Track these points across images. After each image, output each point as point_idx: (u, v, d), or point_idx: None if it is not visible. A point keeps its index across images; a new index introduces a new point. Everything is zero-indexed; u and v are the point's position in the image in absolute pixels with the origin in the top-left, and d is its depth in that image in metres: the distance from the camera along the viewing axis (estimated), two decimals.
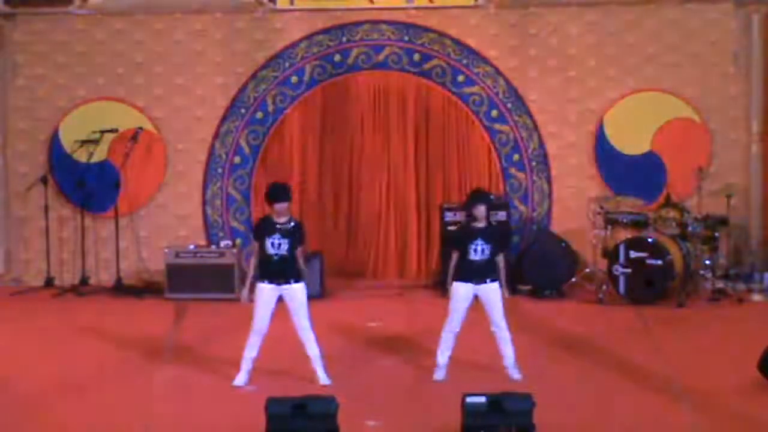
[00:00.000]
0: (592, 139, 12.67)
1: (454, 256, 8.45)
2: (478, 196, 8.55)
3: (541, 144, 12.73)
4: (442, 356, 8.40)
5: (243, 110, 12.81)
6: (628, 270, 11.21)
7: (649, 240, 11.25)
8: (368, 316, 10.79)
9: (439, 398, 7.62)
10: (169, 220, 12.85)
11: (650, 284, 11.18)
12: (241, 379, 8.30)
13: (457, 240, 8.57)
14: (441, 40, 12.71)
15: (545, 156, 12.73)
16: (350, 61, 12.80)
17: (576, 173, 12.70)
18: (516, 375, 8.30)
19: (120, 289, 12.31)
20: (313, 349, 8.40)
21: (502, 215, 11.91)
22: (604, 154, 12.63)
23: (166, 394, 8.03)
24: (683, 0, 12.55)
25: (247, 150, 12.85)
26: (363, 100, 12.86)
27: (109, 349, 9.53)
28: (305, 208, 12.90)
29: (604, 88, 12.62)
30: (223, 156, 12.86)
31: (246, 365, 8.31)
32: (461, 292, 8.34)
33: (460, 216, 11.88)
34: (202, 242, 12.58)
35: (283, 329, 9.92)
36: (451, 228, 11.75)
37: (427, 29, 12.72)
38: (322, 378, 8.33)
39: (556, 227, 12.61)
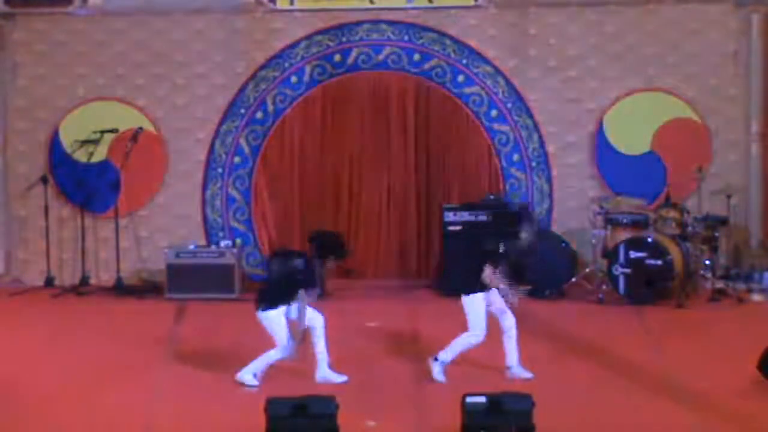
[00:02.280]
0: (592, 139, 12.68)
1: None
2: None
3: (541, 144, 12.73)
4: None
5: (243, 110, 12.81)
6: (628, 270, 11.21)
7: (649, 240, 11.25)
8: (368, 316, 10.79)
9: (439, 398, 7.62)
10: (169, 220, 12.85)
11: (650, 284, 11.18)
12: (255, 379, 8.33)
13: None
14: (441, 40, 12.72)
15: (545, 156, 12.73)
16: (350, 61, 12.80)
17: (576, 173, 12.71)
18: (527, 374, 8.29)
19: (120, 289, 12.31)
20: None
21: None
22: (604, 154, 12.63)
23: (166, 394, 8.03)
24: (683, 0, 12.55)
25: (247, 150, 12.85)
26: (363, 100, 12.86)
27: (109, 349, 9.53)
28: (305, 208, 12.91)
29: (604, 88, 12.62)
30: (223, 156, 12.86)
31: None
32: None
33: (459, 216, 11.91)
34: (202, 242, 12.59)
35: None
36: (452, 228, 11.81)
37: (427, 29, 12.73)
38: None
39: (556, 227, 12.62)
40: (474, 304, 8.27)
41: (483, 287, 8.29)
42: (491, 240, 8.55)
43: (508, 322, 8.38)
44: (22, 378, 8.48)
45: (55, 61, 12.84)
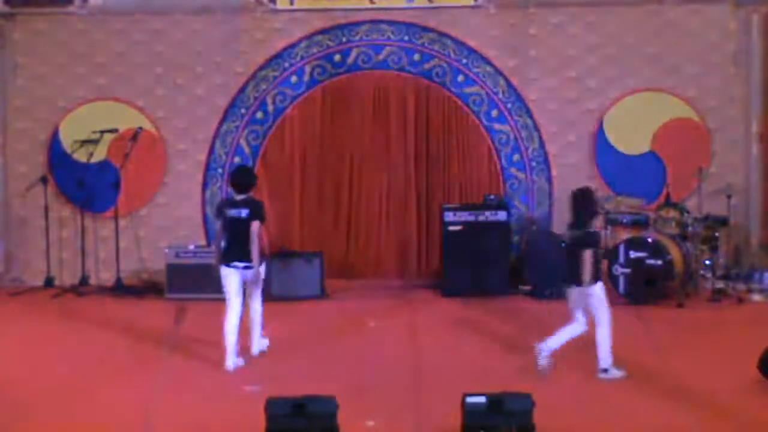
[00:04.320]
0: (592, 139, 12.69)
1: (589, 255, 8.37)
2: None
3: (541, 144, 12.74)
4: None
5: (243, 110, 12.81)
6: (628, 270, 11.21)
7: (649, 240, 11.25)
8: (368, 316, 10.79)
9: (439, 398, 7.61)
10: (169, 220, 12.85)
11: (650, 284, 11.18)
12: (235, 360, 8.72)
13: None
14: (441, 40, 12.72)
15: (545, 156, 12.73)
16: (350, 61, 12.80)
17: (576, 173, 12.70)
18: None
19: (120, 289, 12.31)
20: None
21: (502, 215, 11.92)
22: (604, 154, 12.64)
23: (166, 393, 8.02)
24: (683, 0, 12.56)
25: (247, 150, 12.86)
26: (363, 100, 12.86)
27: (109, 349, 9.53)
28: (305, 208, 12.91)
29: (604, 88, 12.63)
30: (223, 156, 12.86)
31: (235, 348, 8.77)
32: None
33: (459, 216, 11.91)
34: (202, 242, 12.58)
35: (283, 329, 9.95)
36: (452, 228, 11.80)
37: (427, 29, 12.73)
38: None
39: (556, 227, 12.61)
40: (599, 292, 8.32)
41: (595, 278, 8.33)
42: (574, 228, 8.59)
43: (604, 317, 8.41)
44: (22, 378, 8.48)
45: (55, 61, 12.85)
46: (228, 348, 8.72)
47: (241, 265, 8.87)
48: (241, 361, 8.78)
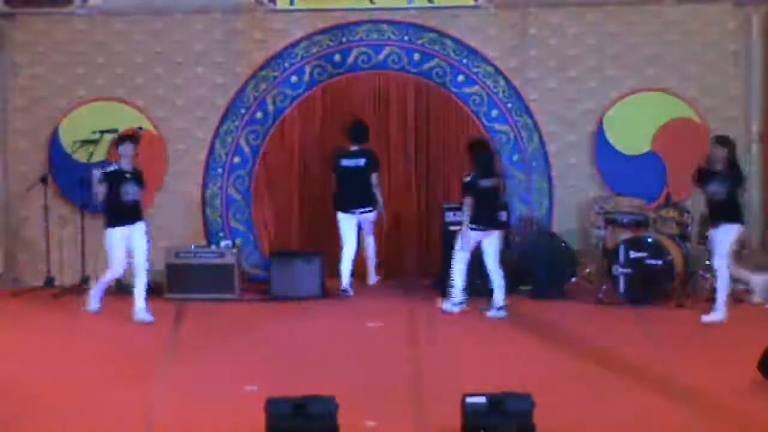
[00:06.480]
0: (592, 139, 12.69)
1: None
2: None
3: (542, 144, 12.74)
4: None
5: (243, 110, 12.82)
6: (628, 270, 11.21)
7: (649, 240, 11.25)
8: (368, 316, 10.79)
9: (439, 398, 7.61)
10: (169, 220, 12.84)
11: (650, 284, 11.18)
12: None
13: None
14: (441, 40, 12.72)
15: (545, 156, 12.73)
16: (350, 61, 12.81)
17: (576, 173, 12.71)
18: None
19: (120, 289, 12.29)
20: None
21: (502, 215, 11.91)
22: (604, 154, 12.64)
23: (166, 394, 8.02)
24: (683, 0, 12.56)
25: (247, 150, 12.86)
26: (363, 100, 12.87)
27: (109, 349, 9.53)
28: (305, 208, 12.91)
29: (604, 88, 12.63)
30: (223, 156, 12.87)
31: None
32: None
33: (459, 216, 11.91)
34: (202, 242, 12.58)
35: (283, 329, 9.94)
36: (453, 228, 11.80)
37: (427, 29, 12.74)
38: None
39: (556, 227, 12.62)
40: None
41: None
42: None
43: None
44: (22, 378, 8.48)
45: (55, 61, 12.85)
46: (343, 280, 11.35)
47: (359, 210, 11.25)
48: (349, 292, 11.46)
